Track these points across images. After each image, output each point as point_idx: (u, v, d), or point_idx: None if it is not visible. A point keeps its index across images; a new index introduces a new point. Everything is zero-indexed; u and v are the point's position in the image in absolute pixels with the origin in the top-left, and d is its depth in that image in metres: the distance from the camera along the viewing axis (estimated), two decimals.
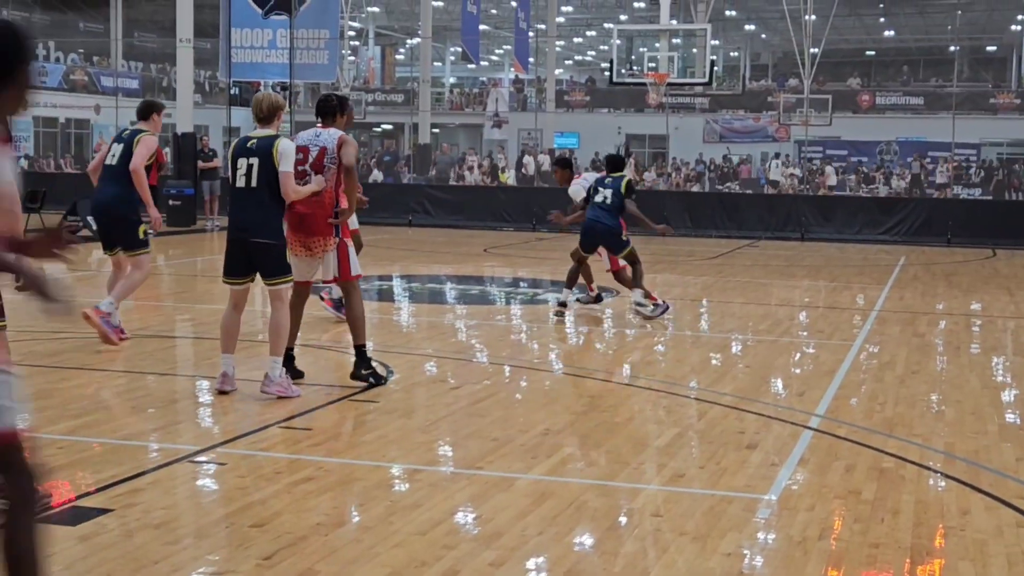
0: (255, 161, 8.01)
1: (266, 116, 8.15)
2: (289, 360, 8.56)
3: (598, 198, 12.60)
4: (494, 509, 5.65)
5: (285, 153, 8.01)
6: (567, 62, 68.55)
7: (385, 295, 15.18)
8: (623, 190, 12.59)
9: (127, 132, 10.48)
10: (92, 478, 6.04)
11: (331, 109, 8.69)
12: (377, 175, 38.07)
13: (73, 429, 7.12)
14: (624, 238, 12.66)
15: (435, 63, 51.27)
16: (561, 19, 53.23)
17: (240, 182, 8.08)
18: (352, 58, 53.40)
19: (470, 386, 8.84)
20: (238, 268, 8.21)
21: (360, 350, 8.62)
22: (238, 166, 8.09)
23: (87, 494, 5.75)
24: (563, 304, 12.66)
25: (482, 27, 43.66)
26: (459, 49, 53.22)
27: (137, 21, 48.30)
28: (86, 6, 41.63)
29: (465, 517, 5.57)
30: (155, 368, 9.45)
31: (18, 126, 38.88)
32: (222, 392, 8.16)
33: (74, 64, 47.35)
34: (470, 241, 23.63)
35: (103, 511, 5.43)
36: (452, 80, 64.81)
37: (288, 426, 7.38)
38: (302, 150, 8.37)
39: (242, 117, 48.12)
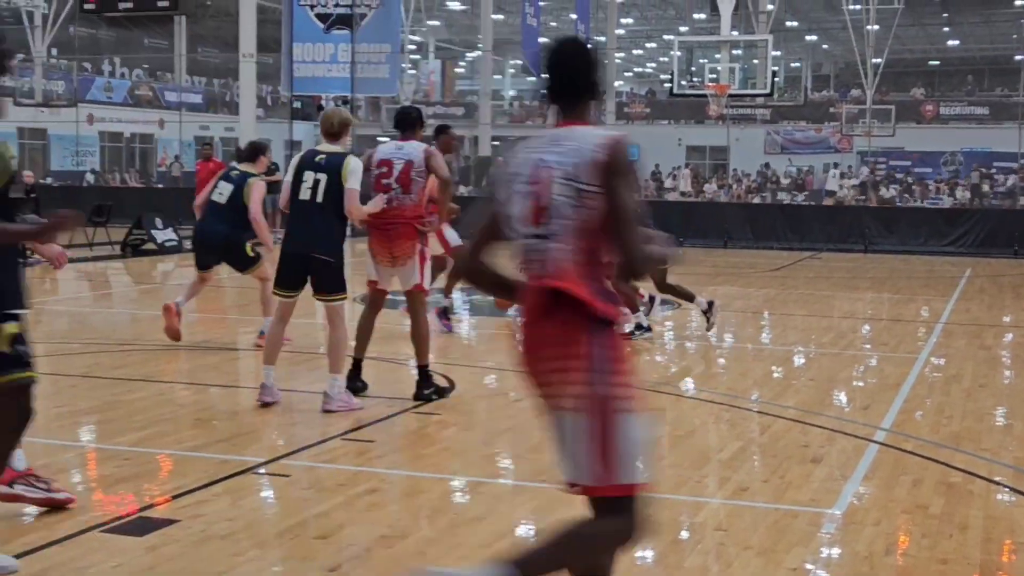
0: (323, 177, 7.96)
1: (336, 132, 8.12)
2: (356, 370, 8.60)
3: (309, 194, 11.19)
4: (557, 522, 5.63)
5: (355, 171, 8.00)
6: (627, 74, 68.51)
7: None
8: None
9: (236, 173, 10.83)
10: (158, 489, 6.11)
11: (411, 121, 8.65)
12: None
13: (139, 441, 7.20)
14: None
15: (495, 76, 51.38)
16: (621, 31, 53.22)
17: (304, 195, 8.01)
18: (413, 71, 53.74)
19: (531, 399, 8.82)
20: (291, 281, 8.19)
21: (423, 370, 8.61)
22: (303, 179, 8.03)
23: (153, 505, 5.81)
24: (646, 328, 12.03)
25: (542, 39, 43.72)
26: (519, 62, 53.34)
27: (201, 37, 48.90)
28: (151, 23, 42.16)
29: (528, 530, 5.56)
30: (219, 380, 9.54)
31: (84, 140, 39.48)
32: (264, 404, 8.18)
33: (139, 80, 48.01)
34: None
35: (169, 522, 5.48)
36: (512, 92, 64.95)
37: (351, 438, 7.42)
38: (384, 164, 8.37)
39: (303, 131, 48.55)
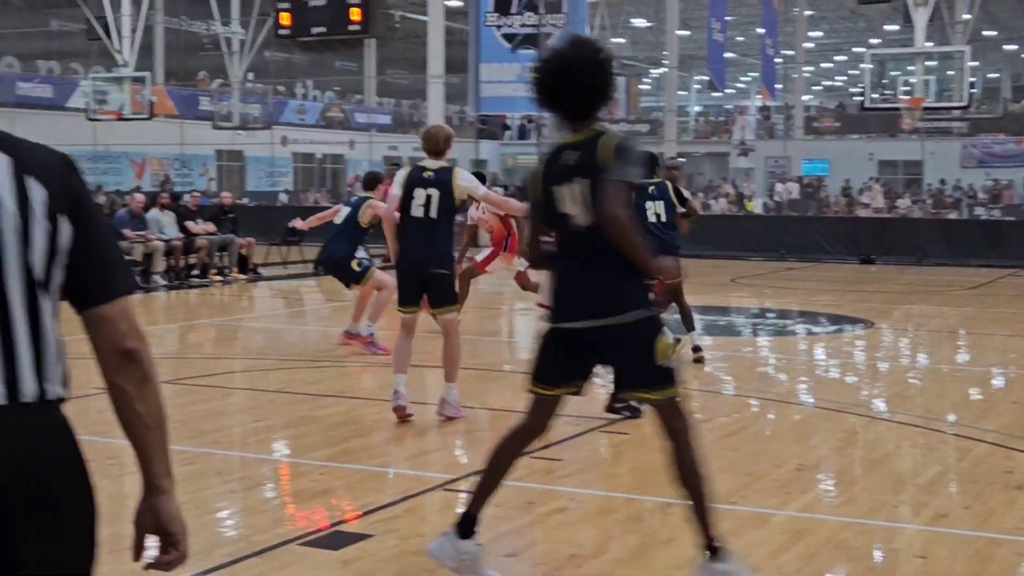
0: (434, 192, 8.02)
1: (442, 149, 8.20)
2: None
3: (649, 217, 10.30)
4: (749, 545, 5.53)
5: (469, 178, 8.26)
6: (816, 88, 67.32)
7: None
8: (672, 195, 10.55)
9: (355, 198, 12.34)
10: (352, 504, 6.22)
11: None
12: None
13: (333, 456, 7.35)
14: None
15: (680, 92, 51.10)
16: (809, 44, 52.36)
17: (417, 212, 8.06)
18: None
19: (720, 419, 8.71)
20: (412, 296, 8.30)
21: None
22: (414, 196, 8.07)
23: (347, 520, 5.92)
24: (696, 347, 11.11)
25: (728, 55, 43.29)
26: (705, 77, 52.93)
27: (389, 59, 49.92)
28: (342, 46, 43.24)
29: None
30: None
31: (278, 162, 40.68)
32: (400, 409, 8.24)
33: (330, 102, 49.26)
34: (716, 271, 23.37)
35: (363, 536, 5.57)
36: (697, 109, 64.50)
37: (539, 456, 7.43)
38: None
39: (489, 150, 49.17)
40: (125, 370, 2.26)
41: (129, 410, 2.27)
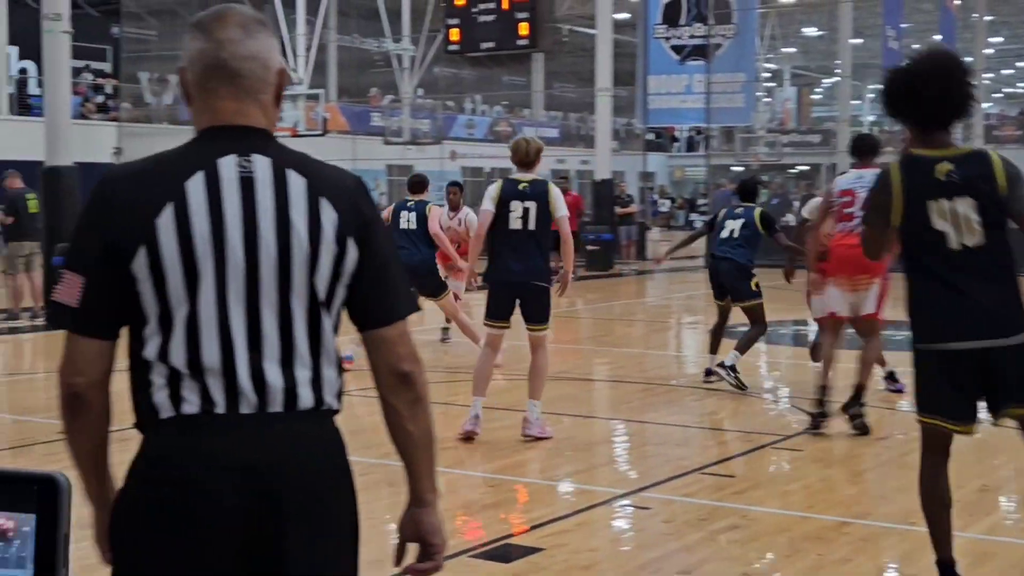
0: (531, 205, 7.96)
1: (532, 160, 8.13)
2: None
3: (724, 232, 10.42)
4: (929, 569, 5.34)
5: (559, 197, 8.11)
6: (996, 95, 65.25)
7: (800, 339, 14.85)
8: (758, 222, 10.33)
9: (412, 203, 11.69)
10: (522, 517, 6.23)
11: (869, 147, 8.61)
12: (788, 218, 37.46)
13: (502, 468, 7.38)
14: (754, 286, 10.28)
15: (853, 101, 50.06)
16: (989, 51, 50.75)
17: (515, 224, 7.98)
18: (768, 100, 53.12)
19: (897, 436, 8.46)
20: (504, 310, 8.18)
21: (860, 390, 8.31)
22: (511, 209, 7.99)
23: (517, 533, 5.92)
24: (730, 367, 10.06)
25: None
26: (879, 86, 51.76)
27: (557, 73, 50.12)
28: (510, 61, 43.59)
29: (897, 575, 5.31)
30: (575, 410, 9.64)
31: (448, 176, 41.20)
32: (469, 434, 8.06)
33: (499, 116, 49.68)
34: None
35: (534, 550, 5.56)
36: (871, 118, 63.12)
37: (710, 472, 7.33)
38: (847, 193, 8.27)
39: (657, 162, 48.95)
40: (400, 391, 2.37)
41: (400, 429, 2.40)
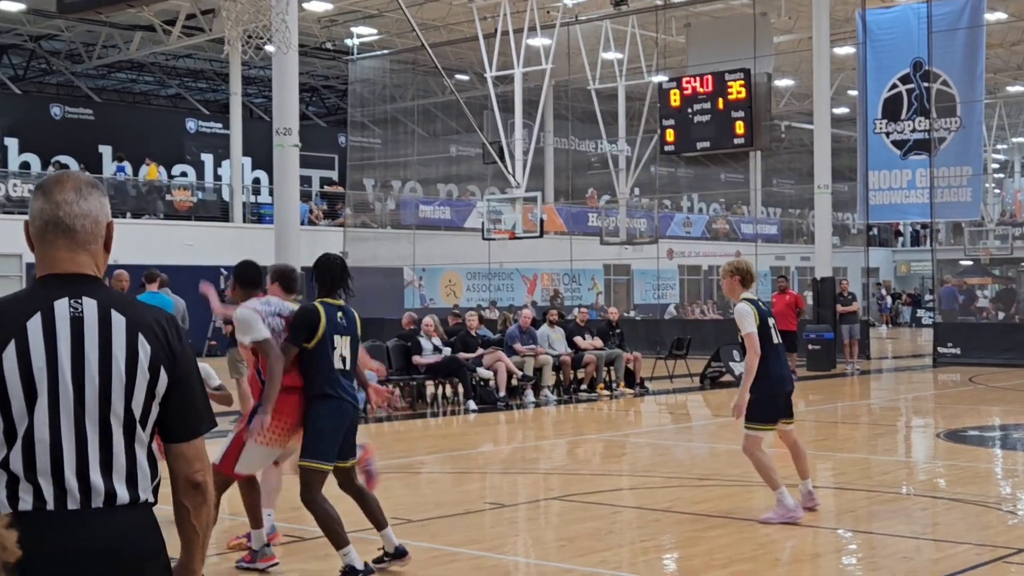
0: (772, 320, 8.96)
1: (753, 279, 9.03)
2: None
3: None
4: None
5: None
6: None
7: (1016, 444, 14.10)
8: None
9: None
10: None
11: None
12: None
13: None
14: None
15: None
16: None
17: (777, 339, 8.94)
18: (997, 191, 51.40)
19: None
20: (779, 414, 9.04)
21: None
22: (771, 326, 8.89)
23: None
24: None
25: None
26: None
27: (775, 169, 49.69)
28: (727, 159, 43.48)
29: None
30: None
31: (664, 274, 41.13)
32: (803, 511, 8.79)
33: (716, 214, 49.47)
34: None
35: None
36: None
37: None
38: None
39: (880, 257, 47.77)
40: (191, 495, 2.89)
41: (186, 522, 2.91)
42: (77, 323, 2.75)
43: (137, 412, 2.78)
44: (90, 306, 2.78)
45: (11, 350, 2.71)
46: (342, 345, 7.17)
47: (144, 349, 2.78)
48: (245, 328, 7.04)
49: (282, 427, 7.07)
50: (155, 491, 2.84)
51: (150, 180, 33.22)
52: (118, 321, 2.78)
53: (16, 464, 2.69)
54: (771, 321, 8.91)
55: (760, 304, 8.99)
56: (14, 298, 2.83)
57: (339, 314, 7.23)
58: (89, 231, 2.85)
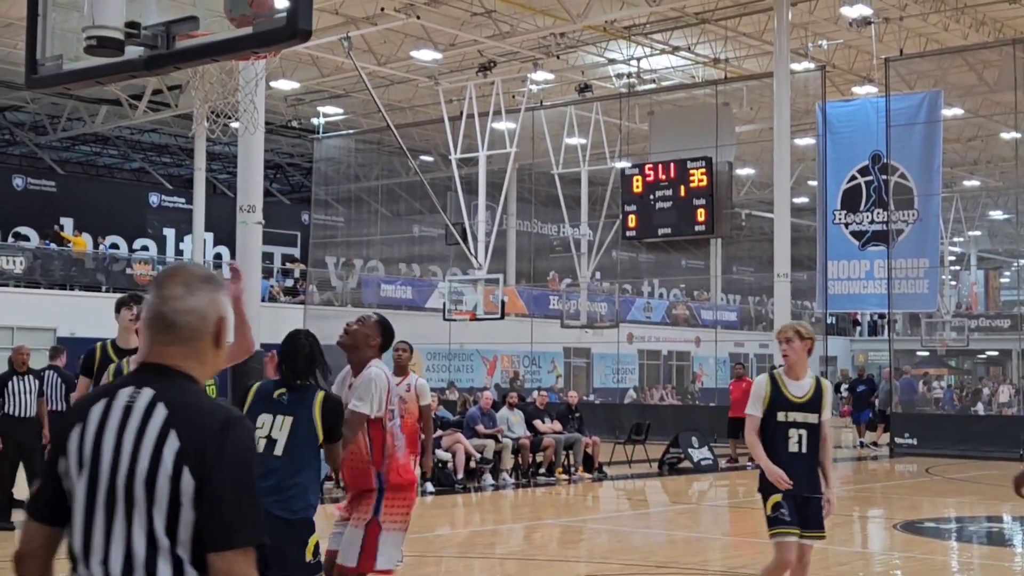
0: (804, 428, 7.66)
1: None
2: None
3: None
4: None
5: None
6: None
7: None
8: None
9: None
10: None
11: None
12: (979, 407, 36.18)
13: None
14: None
15: None
16: None
17: (794, 448, 7.62)
18: (953, 283, 51.97)
19: None
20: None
21: None
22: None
23: None
24: None
25: None
26: None
27: (736, 257, 50.07)
28: (688, 246, 43.78)
29: None
30: None
31: (624, 359, 41.18)
32: None
33: (676, 299, 49.73)
34: None
35: None
36: None
37: None
38: None
39: (838, 346, 48.06)
40: None
41: None
42: (127, 412, 2.72)
43: (159, 516, 2.66)
44: (145, 396, 2.73)
45: (76, 433, 2.75)
46: (271, 426, 6.14)
47: (172, 445, 2.66)
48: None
49: (407, 504, 6.88)
50: None
51: (84, 252, 31.64)
52: (159, 414, 2.70)
53: (69, 543, 2.77)
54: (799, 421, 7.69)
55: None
56: (104, 385, 2.95)
57: (279, 391, 6.25)
58: (194, 327, 2.81)
